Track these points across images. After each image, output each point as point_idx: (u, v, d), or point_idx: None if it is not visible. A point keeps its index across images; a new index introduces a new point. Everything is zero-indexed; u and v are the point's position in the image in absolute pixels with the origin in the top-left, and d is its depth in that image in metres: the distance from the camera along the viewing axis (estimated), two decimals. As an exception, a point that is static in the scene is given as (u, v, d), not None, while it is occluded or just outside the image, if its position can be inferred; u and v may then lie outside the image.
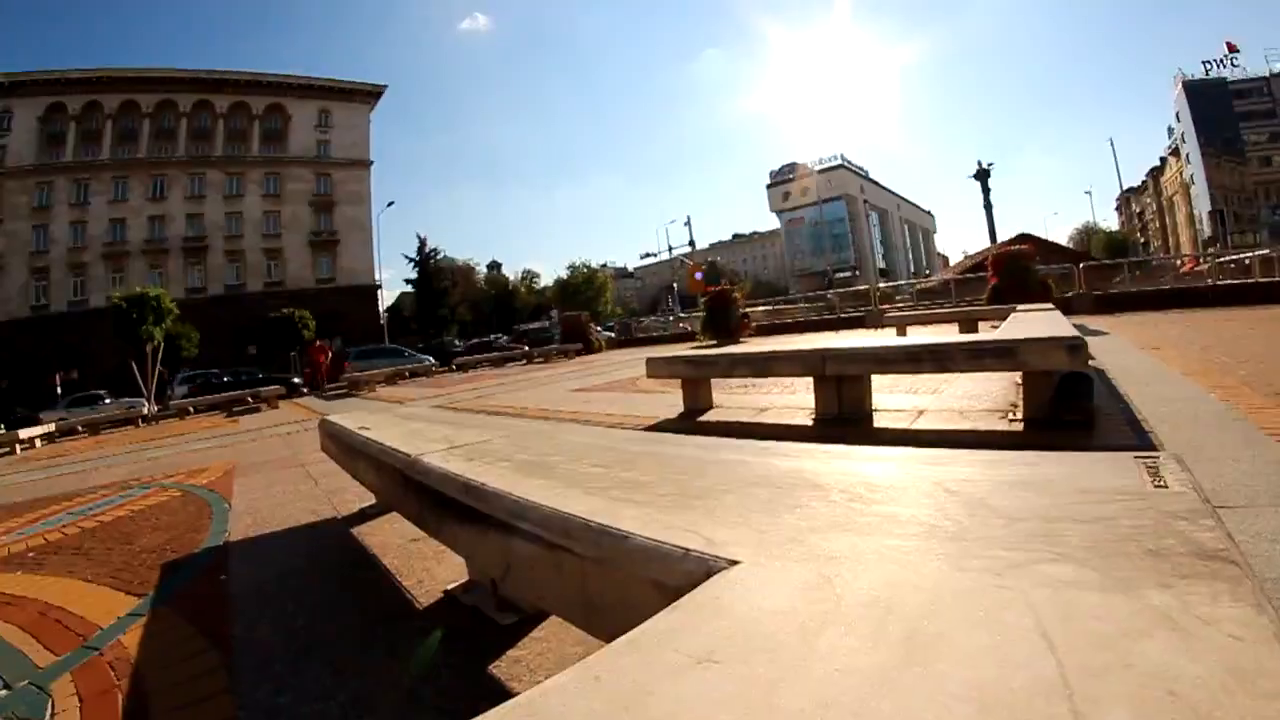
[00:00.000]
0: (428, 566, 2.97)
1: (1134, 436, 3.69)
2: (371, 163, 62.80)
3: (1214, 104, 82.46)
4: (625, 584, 1.13)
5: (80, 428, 19.33)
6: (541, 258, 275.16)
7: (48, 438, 17.46)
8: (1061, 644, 0.65)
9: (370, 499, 4.13)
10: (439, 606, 2.52)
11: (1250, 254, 25.81)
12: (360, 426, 3.46)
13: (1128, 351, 7.74)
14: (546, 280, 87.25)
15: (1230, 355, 6.49)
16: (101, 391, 32.84)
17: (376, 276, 60.28)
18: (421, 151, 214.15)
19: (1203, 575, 0.77)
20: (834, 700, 0.61)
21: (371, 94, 65.04)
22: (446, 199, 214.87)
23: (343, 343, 41.75)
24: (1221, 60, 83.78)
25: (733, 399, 6.56)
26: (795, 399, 6.06)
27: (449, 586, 2.63)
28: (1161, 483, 1.14)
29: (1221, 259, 28.44)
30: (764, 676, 0.66)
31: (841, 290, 36.86)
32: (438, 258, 66.40)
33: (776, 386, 7.06)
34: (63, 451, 13.36)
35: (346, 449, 3.50)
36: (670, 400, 6.70)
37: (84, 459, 10.76)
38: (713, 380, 6.34)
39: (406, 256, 63.98)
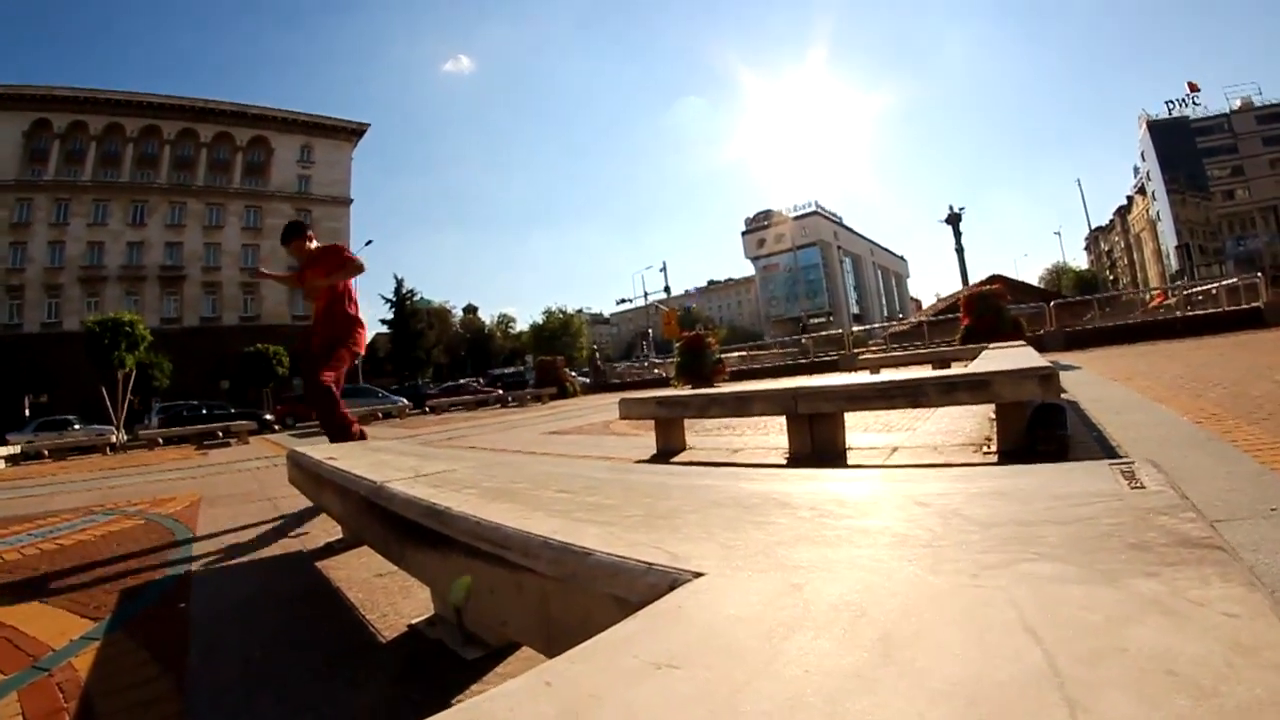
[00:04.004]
0: (393, 601, 2.89)
1: (1099, 451, 3.82)
2: (351, 200, 63.10)
3: (1178, 142, 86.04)
4: (587, 602, 1.09)
5: (46, 452, 18.96)
6: (518, 302, 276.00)
7: (12, 460, 17.12)
8: (1048, 635, 0.62)
9: (337, 533, 4.05)
10: (403, 640, 2.44)
11: (1216, 284, 26.49)
12: (327, 457, 3.42)
13: (1100, 383, 7.86)
14: (522, 325, 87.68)
15: (1201, 381, 6.63)
16: (71, 416, 32.23)
17: None
18: (401, 192, 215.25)
19: (1189, 561, 0.76)
20: (804, 700, 0.57)
21: (354, 132, 65.54)
22: (425, 240, 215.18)
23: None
24: (1184, 99, 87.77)
25: (706, 441, 6.54)
26: (768, 440, 6.06)
27: (413, 621, 2.55)
28: (1138, 484, 1.12)
29: (1189, 291, 29.14)
30: (728, 679, 0.62)
31: (815, 335, 37.34)
32: (414, 299, 66.46)
33: (750, 429, 7.07)
34: (26, 474, 13.08)
35: (313, 478, 3.45)
36: (643, 442, 6.68)
37: (48, 483, 10.56)
38: (686, 422, 6.32)
39: (384, 297, 63.82)
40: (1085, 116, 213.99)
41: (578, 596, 1.12)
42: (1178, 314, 24.06)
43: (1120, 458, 3.64)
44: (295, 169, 60.91)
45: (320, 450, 3.91)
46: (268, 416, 30.11)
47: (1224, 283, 25.91)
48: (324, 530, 4.33)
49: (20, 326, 49.02)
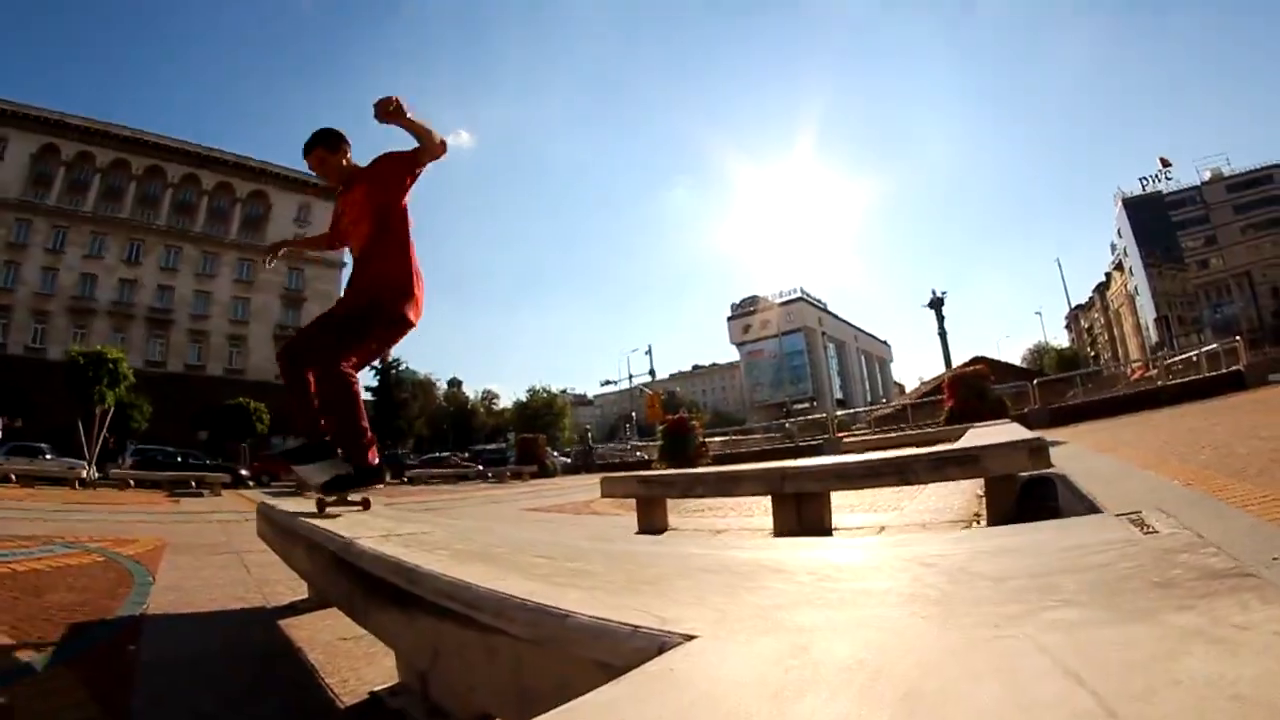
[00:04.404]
0: (356, 666, 2.75)
1: (1114, 513, 3.65)
2: (345, 264, 63.07)
3: (1152, 217, 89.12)
4: (565, 668, 1.00)
5: (14, 477, 18.54)
6: (502, 379, 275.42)
7: (-21, 480, 16.78)
8: (1091, 677, 0.56)
9: (303, 591, 3.90)
10: (363, 709, 2.31)
11: (1196, 352, 26.89)
12: (300, 511, 3.33)
13: (1087, 456, 7.80)
14: (506, 402, 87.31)
15: (1188, 446, 6.62)
16: (44, 445, 31.19)
17: None
18: None
19: (1222, 592, 0.72)
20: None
21: None
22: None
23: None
24: (1157, 175, 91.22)
25: (689, 522, 6.43)
26: (753, 521, 5.98)
27: (376, 688, 2.41)
28: (1151, 529, 1.09)
29: (1169, 361, 29.56)
30: None
31: (799, 419, 37.36)
32: (399, 369, 66.34)
33: (734, 510, 6.96)
34: (-9, 496, 12.64)
35: (282, 532, 3.37)
36: (624, 522, 6.56)
37: (12, 508, 10.39)
38: (669, 502, 6.19)
39: (370, 366, 63.86)
40: (1063, 198, 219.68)
41: (556, 661, 1.03)
42: (1160, 384, 24.34)
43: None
44: (292, 227, 60.50)
45: (292, 504, 3.82)
46: (243, 471, 29.59)
47: (1204, 349, 26.31)
48: (289, 589, 4.17)
49: (4, 347, 48.15)
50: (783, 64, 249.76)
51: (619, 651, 0.90)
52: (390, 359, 64.07)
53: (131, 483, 19.70)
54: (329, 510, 3.31)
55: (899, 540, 1.41)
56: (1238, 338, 25.52)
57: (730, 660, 0.76)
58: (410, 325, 3.65)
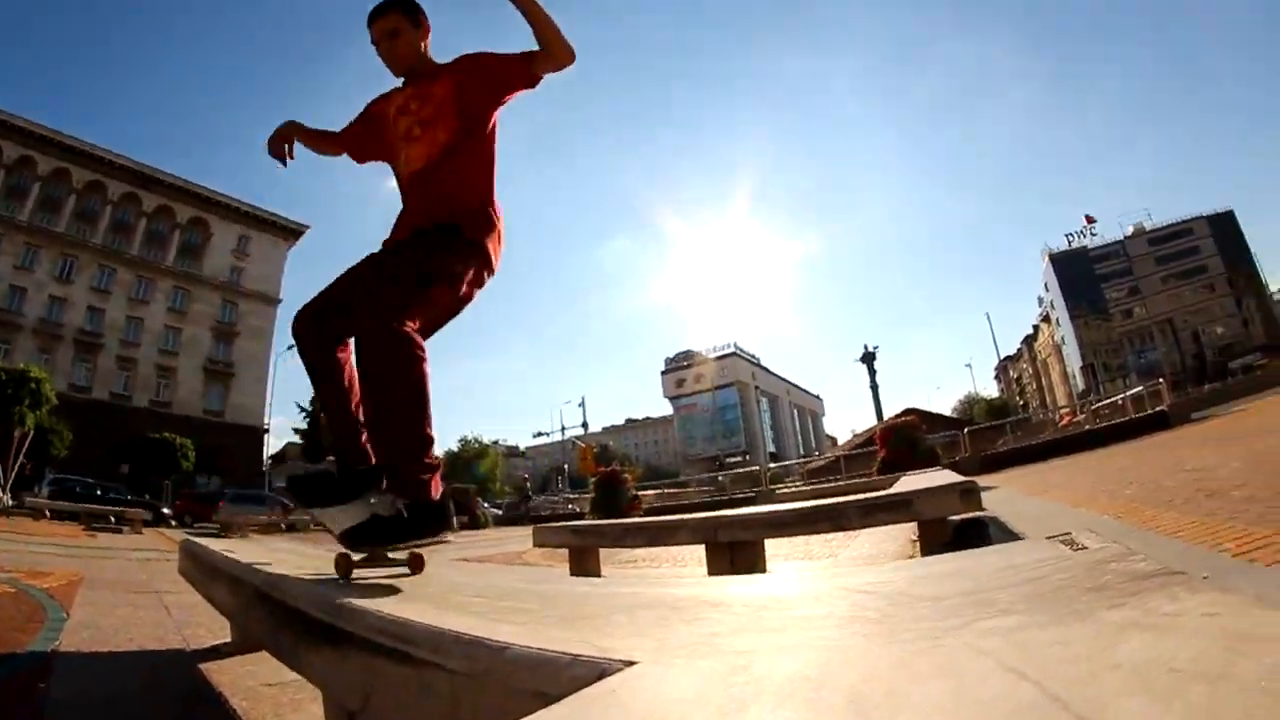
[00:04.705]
0: (280, 713, 2.63)
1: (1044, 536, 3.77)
2: (281, 300, 61.45)
3: (1078, 271, 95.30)
4: (504, 700, 0.98)
5: None
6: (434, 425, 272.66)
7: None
8: (1032, 671, 0.58)
9: (226, 635, 3.73)
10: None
11: (1122, 396, 27.91)
12: (225, 549, 3.25)
13: (1018, 499, 8.06)
14: (437, 450, 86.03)
15: (1116, 483, 6.87)
16: None
17: (266, 419, 57.56)
18: None
19: (1152, 589, 0.76)
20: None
21: (293, 231, 64.71)
22: None
23: (221, 482, 39.31)
24: (1082, 231, 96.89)
25: (622, 572, 6.42)
26: (685, 571, 5.96)
27: None
28: (1081, 546, 1.14)
29: (1096, 406, 30.58)
30: None
31: (732, 473, 37.43)
32: None
33: (668, 561, 6.93)
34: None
35: (206, 569, 3.23)
36: (556, 574, 6.45)
37: None
38: (602, 552, 6.14)
39: (300, 406, 61.43)
40: (992, 255, 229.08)
41: (494, 694, 1.01)
42: (1088, 428, 25.10)
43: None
44: (230, 258, 58.79)
45: (217, 544, 3.70)
46: (165, 509, 28.36)
47: (1129, 393, 27.34)
48: (211, 631, 3.99)
49: (-84, 356, 44.65)
50: (723, 121, 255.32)
51: (559, 680, 0.89)
52: (319, 396, 62.08)
53: (48, 513, 18.95)
54: (357, 575, 2.22)
55: (835, 572, 1.43)
56: (1161, 380, 26.63)
57: (671, 681, 0.76)
58: (490, 268, 2.61)
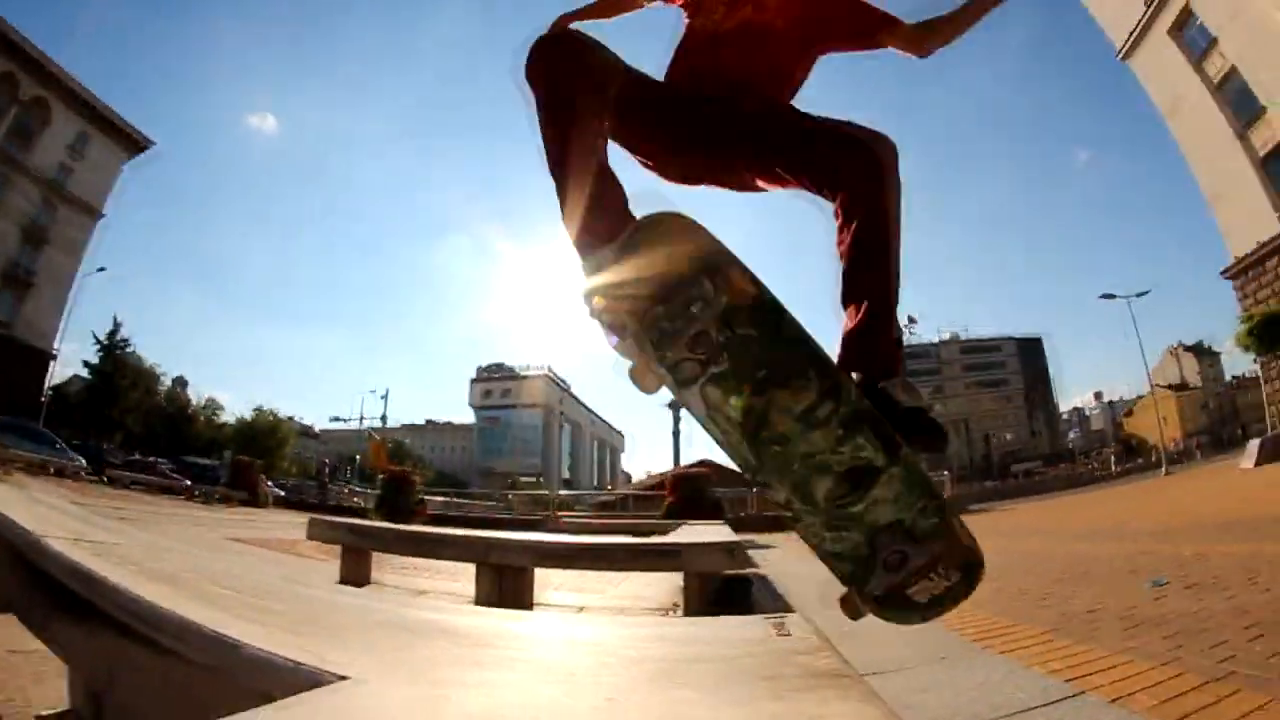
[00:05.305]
0: (22, 684, 2.41)
1: (763, 615, 4.05)
2: (104, 215, 53.59)
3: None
4: (234, 696, 1.01)
5: None
6: (231, 388, 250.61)
7: None
8: None
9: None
10: (28, 735, 2.00)
11: None
12: None
13: (793, 560, 8.67)
14: (230, 416, 78.37)
15: None
16: None
17: (56, 344, 49.15)
18: (152, 228, 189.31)
19: (815, 688, 0.87)
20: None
21: (137, 143, 55.47)
22: (159, 292, 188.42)
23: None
24: (904, 328, 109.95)
25: (392, 578, 6.22)
26: (456, 586, 5.80)
27: (43, 712, 2.10)
28: (785, 633, 1.29)
29: None
30: None
31: (522, 493, 37.32)
32: (126, 348, 56.97)
33: (443, 574, 6.72)
34: None
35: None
36: (327, 570, 6.13)
37: None
38: (375, 555, 5.99)
39: (96, 338, 53.77)
40: (822, 326, 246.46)
41: (226, 690, 1.05)
42: None
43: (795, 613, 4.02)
44: (64, 153, 49.19)
45: None
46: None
47: None
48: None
49: None
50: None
51: (280, 684, 0.94)
52: (119, 337, 54.96)
53: None
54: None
55: (568, 620, 1.53)
56: (946, 473, 29.40)
57: (373, 699, 0.86)
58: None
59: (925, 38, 2.13)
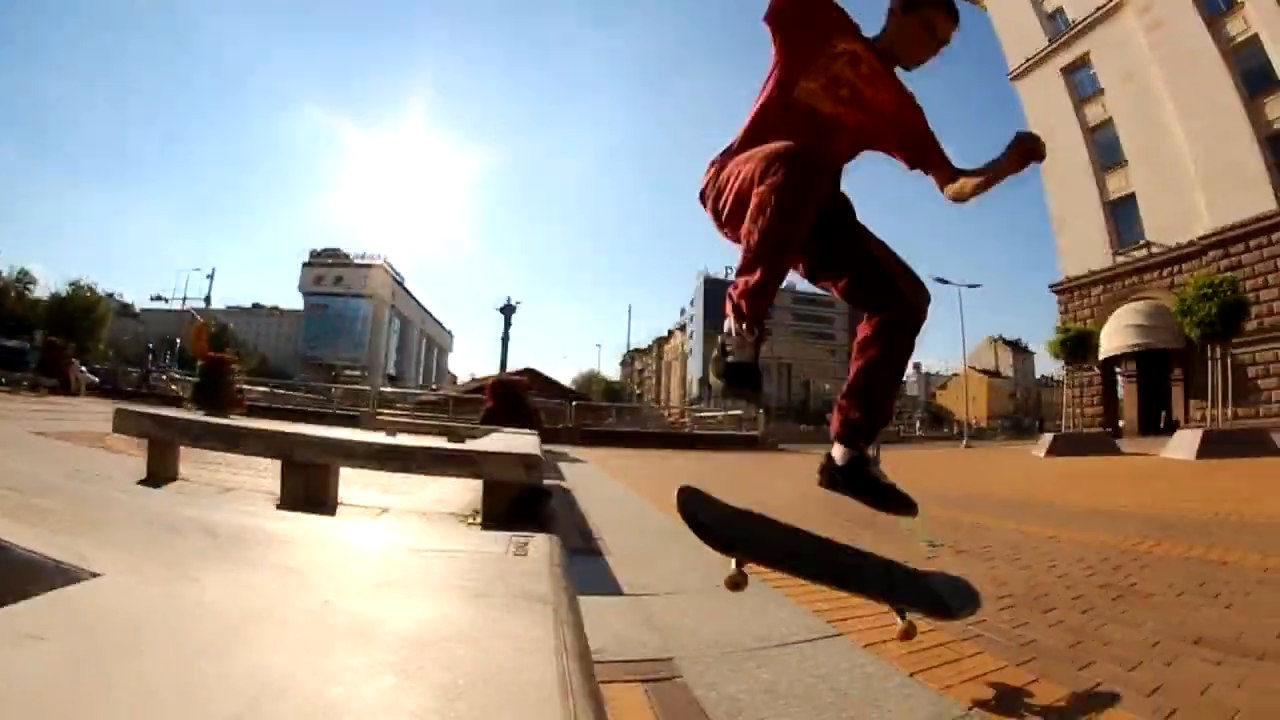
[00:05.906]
0: None
1: (576, 534, 4.85)
2: None
3: (722, 297, 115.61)
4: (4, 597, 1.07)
5: None
6: (44, 258, 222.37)
7: None
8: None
9: None
10: None
11: (724, 413, 32.27)
12: None
13: (599, 477, 9.89)
14: (44, 291, 69.01)
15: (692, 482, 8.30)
16: None
17: None
18: None
19: (510, 609, 1.05)
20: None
21: None
22: None
23: None
24: None
25: (201, 474, 5.99)
26: (265, 483, 5.68)
27: None
28: (523, 552, 1.48)
29: (702, 415, 34.97)
30: (97, 655, 0.75)
31: (344, 387, 36.19)
32: None
33: (252, 470, 6.55)
34: None
35: None
36: (133, 465, 5.88)
37: None
38: (183, 449, 5.75)
39: None
40: (662, 254, 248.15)
41: None
42: (690, 431, 28.49)
43: (588, 532, 4.85)
44: None
45: None
46: None
47: (731, 411, 31.56)
48: None
49: None
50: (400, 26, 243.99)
51: (40, 584, 1.03)
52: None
53: None
54: None
55: (354, 524, 1.72)
56: (761, 410, 30.93)
57: (122, 595, 0.98)
58: None
59: (952, 185, 2.45)
